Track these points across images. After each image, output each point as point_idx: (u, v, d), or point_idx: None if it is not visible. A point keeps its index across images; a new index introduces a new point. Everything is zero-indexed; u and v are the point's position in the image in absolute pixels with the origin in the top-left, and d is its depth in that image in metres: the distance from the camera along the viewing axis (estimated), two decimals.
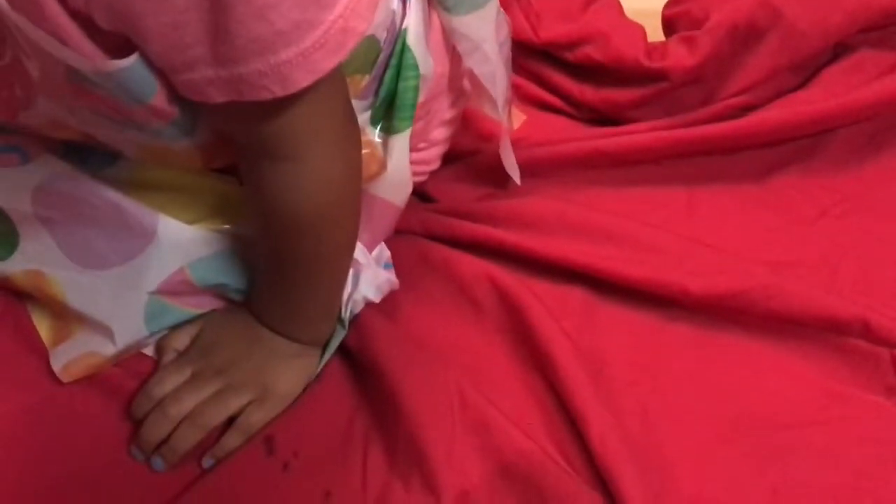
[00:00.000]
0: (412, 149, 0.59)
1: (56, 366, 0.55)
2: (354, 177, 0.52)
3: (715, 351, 0.60)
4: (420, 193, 0.68)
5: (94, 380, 0.56)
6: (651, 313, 0.61)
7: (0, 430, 0.54)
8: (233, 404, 0.55)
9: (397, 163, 0.57)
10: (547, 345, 0.57)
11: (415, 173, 0.61)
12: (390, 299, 0.61)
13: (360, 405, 0.57)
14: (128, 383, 0.56)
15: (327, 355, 0.58)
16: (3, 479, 0.52)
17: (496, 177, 0.68)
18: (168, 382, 0.55)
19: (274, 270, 0.54)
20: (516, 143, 0.68)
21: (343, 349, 0.59)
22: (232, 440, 0.54)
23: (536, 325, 0.58)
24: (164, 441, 0.53)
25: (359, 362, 0.58)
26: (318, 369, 0.58)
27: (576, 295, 0.62)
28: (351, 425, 0.56)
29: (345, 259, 0.55)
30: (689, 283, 0.59)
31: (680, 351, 0.60)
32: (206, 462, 0.54)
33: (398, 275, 0.62)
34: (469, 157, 0.70)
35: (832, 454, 0.55)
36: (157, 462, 0.53)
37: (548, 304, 0.60)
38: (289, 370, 0.57)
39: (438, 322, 0.61)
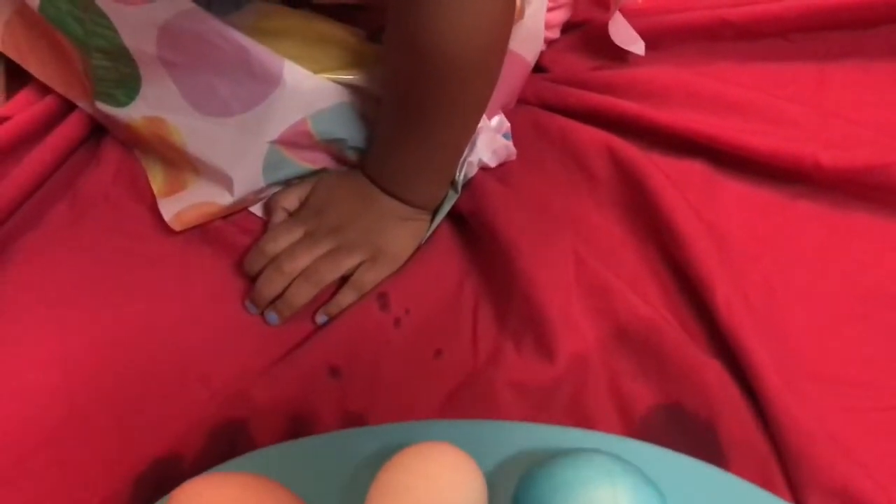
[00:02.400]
0: None
1: (167, 215, 0.55)
2: (510, 21, 0.50)
3: (844, 228, 0.57)
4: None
5: (206, 235, 0.56)
6: (776, 189, 0.59)
7: (116, 286, 0.55)
8: (346, 263, 0.54)
9: (535, 10, 0.55)
10: (669, 214, 0.55)
11: None
12: (505, 167, 0.59)
13: (470, 268, 0.56)
14: (240, 239, 0.56)
15: (439, 218, 0.57)
16: (122, 325, 0.53)
17: (613, 47, 0.65)
18: (282, 240, 0.55)
19: (400, 125, 0.53)
20: (636, 13, 0.65)
21: (454, 213, 0.58)
22: (346, 297, 0.54)
23: (658, 194, 0.56)
24: (279, 296, 0.54)
25: (471, 225, 0.57)
26: (430, 232, 0.57)
27: (697, 168, 0.60)
28: (461, 287, 0.55)
29: (478, 114, 0.53)
30: (822, 156, 0.56)
31: (806, 227, 0.57)
32: (320, 318, 0.54)
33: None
34: (584, 26, 0.67)
35: None
36: (272, 316, 0.53)
37: (669, 177, 0.58)
38: (401, 231, 0.56)
39: (553, 191, 0.59)
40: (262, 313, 0.54)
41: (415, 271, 0.56)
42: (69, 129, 0.61)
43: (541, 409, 0.50)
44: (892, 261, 0.55)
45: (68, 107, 0.61)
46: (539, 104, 0.63)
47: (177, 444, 0.48)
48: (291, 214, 0.57)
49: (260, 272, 0.54)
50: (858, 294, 0.54)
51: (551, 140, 0.60)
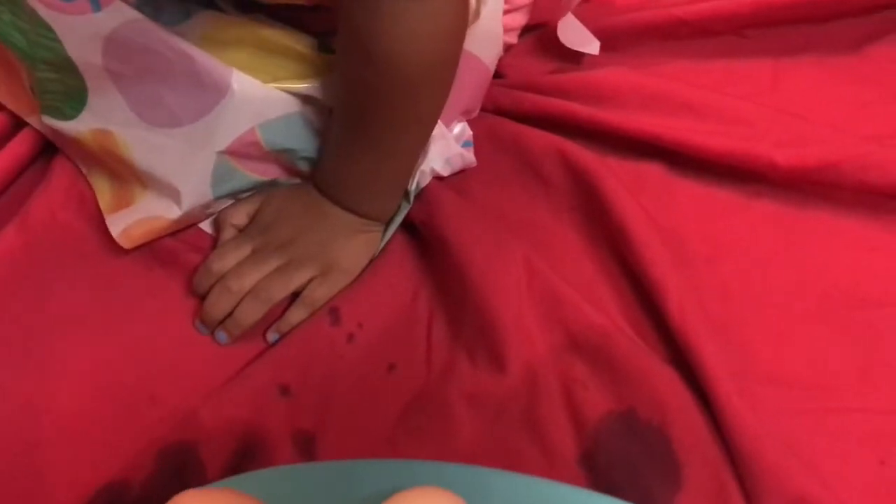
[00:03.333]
0: None
1: (115, 231, 0.54)
2: (463, 28, 0.49)
3: (801, 228, 0.56)
4: None
5: (156, 254, 0.56)
6: (733, 190, 0.58)
7: (67, 309, 0.54)
8: (296, 279, 0.54)
9: (491, 11, 0.54)
10: (622, 218, 0.55)
11: None
12: (459, 175, 0.59)
13: (424, 280, 0.56)
14: (191, 257, 0.56)
15: (391, 229, 0.56)
16: (71, 347, 0.52)
17: (567, 50, 0.64)
18: (229, 258, 0.54)
19: (351, 134, 0.52)
20: (589, 13, 0.65)
21: (407, 223, 0.57)
22: (296, 314, 0.53)
23: (611, 198, 0.55)
24: (228, 315, 0.53)
25: (424, 236, 0.57)
26: (383, 244, 0.56)
27: (652, 171, 0.59)
28: (415, 299, 0.55)
29: (431, 124, 0.53)
30: (777, 155, 0.56)
31: (763, 228, 0.57)
32: (271, 336, 0.53)
33: None
34: (538, 29, 0.66)
35: None
36: (222, 336, 0.53)
37: (623, 180, 0.57)
38: (352, 245, 0.55)
39: (508, 198, 0.58)
40: (211, 333, 0.53)
41: (367, 284, 0.55)
42: (18, 147, 0.60)
43: (494, 421, 0.50)
44: (848, 259, 0.54)
45: (16, 125, 0.61)
46: (494, 110, 0.62)
47: (126, 468, 0.48)
48: (240, 231, 0.56)
49: (209, 291, 0.53)
50: (815, 294, 0.53)
51: (505, 146, 0.60)
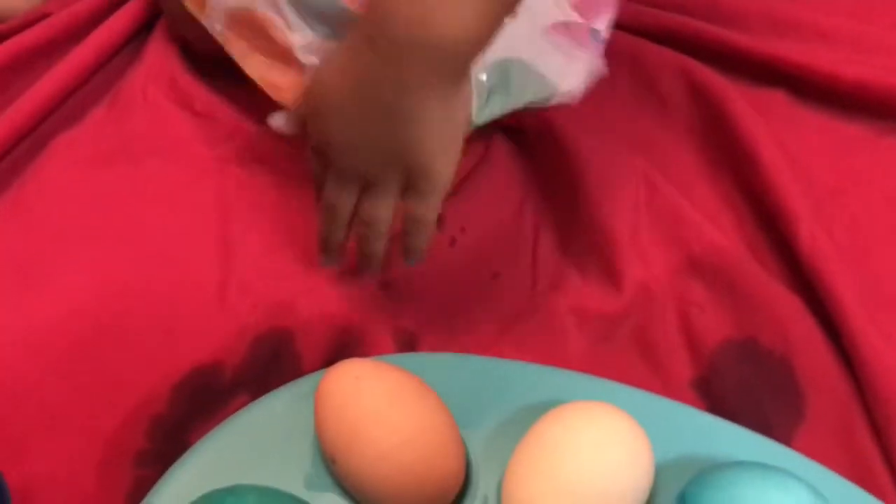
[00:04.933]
0: None
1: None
2: None
3: None
4: None
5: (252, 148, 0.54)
6: (862, 124, 0.55)
7: (156, 188, 0.52)
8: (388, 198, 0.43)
9: None
10: (749, 142, 0.51)
11: None
12: None
13: (531, 189, 0.53)
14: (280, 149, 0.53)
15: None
16: (158, 235, 0.50)
17: None
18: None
19: None
20: None
21: (515, 128, 0.54)
22: (415, 238, 0.44)
23: (737, 121, 0.52)
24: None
25: (532, 144, 0.54)
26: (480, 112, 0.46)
27: (779, 98, 0.56)
28: (521, 208, 0.52)
29: None
30: None
31: (891, 164, 0.53)
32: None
33: None
34: None
35: None
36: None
37: (748, 102, 0.54)
38: (434, 135, 0.41)
39: (623, 113, 0.55)
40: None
41: (470, 189, 0.52)
42: (113, 27, 0.58)
43: (605, 338, 0.47)
44: None
45: (111, 5, 0.59)
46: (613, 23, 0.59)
47: (218, 352, 0.46)
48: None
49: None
50: None
51: (622, 60, 0.57)
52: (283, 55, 0.47)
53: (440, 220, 0.51)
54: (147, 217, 0.52)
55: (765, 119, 0.54)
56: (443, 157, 0.42)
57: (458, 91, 0.41)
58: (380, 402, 0.37)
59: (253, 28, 0.48)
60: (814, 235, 0.47)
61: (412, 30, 0.37)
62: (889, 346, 0.44)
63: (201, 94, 0.57)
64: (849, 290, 0.46)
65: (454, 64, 0.39)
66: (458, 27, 0.38)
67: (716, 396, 0.45)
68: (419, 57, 0.38)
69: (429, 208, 0.43)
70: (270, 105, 0.50)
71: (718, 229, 0.50)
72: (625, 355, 0.47)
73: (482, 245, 0.51)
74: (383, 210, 0.43)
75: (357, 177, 0.43)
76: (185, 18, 0.51)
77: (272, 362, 0.45)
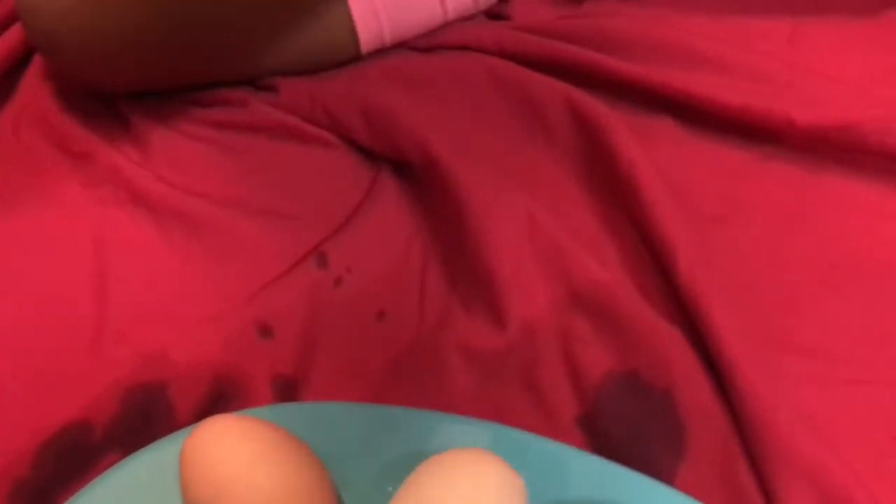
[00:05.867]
0: None
1: None
2: None
3: (815, 192, 0.53)
4: (495, 14, 0.61)
5: (128, 185, 0.52)
6: (747, 149, 0.55)
7: (31, 227, 0.50)
8: None
9: None
10: (631, 172, 0.51)
11: None
12: (458, 118, 0.55)
13: (420, 224, 0.52)
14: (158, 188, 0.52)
15: None
16: (35, 276, 0.49)
17: None
18: None
19: None
20: None
21: (403, 164, 0.53)
22: None
23: (620, 151, 0.52)
24: None
25: (420, 178, 0.53)
26: None
27: (663, 125, 0.56)
28: (409, 245, 0.51)
29: None
30: (795, 113, 0.53)
31: (776, 190, 0.54)
32: None
33: (465, 95, 0.56)
34: None
35: None
36: None
37: (632, 131, 0.54)
38: None
39: (509, 145, 0.55)
40: None
41: (358, 227, 0.51)
42: None
43: (492, 377, 0.47)
44: (863, 226, 0.52)
45: None
46: (498, 52, 0.58)
47: (88, 407, 0.44)
48: None
49: None
50: (829, 262, 0.51)
51: (508, 91, 0.56)
52: None
53: (324, 258, 0.50)
54: (19, 263, 0.50)
55: (652, 146, 0.54)
56: None
57: None
58: (244, 462, 0.36)
59: None
60: (693, 268, 0.47)
61: None
62: (767, 379, 0.44)
63: (77, 133, 0.55)
64: (727, 321, 0.46)
65: None
66: None
67: (600, 433, 0.45)
68: None
69: None
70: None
71: (602, 262, 0.50)
72: (511, 393, 0.46)
73: (368, 284, 0.50)
74: None
75: None
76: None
77: (145, 416, 0.44)
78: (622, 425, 0.45)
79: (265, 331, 0.47)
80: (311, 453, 0.38)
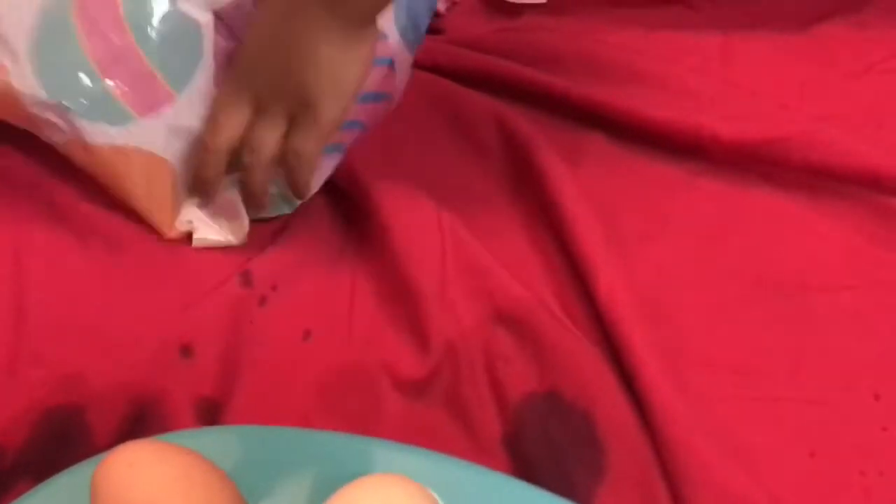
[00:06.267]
0: None
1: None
2: None
3: (739, 207, 0.54)
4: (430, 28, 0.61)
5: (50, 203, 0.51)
6: (674, 166, 0.56)
7: None
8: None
9: None
10: (555, 191, 0.52)
11: None
12: (389, 134, 0.55)
13: (347, 244, 0.52)
14: (82, 207, 0.50)
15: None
16: None
17: (511, 12, 0.61)
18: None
19: None
20: None
21: (329, 184, 0.53)
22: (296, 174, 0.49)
23: (545, 170, 0.53)
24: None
25: (348, 195, 0.53)
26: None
27: (592, 140, 0.56)
28: (337, 264, 0.51)
29: None
30: (720, 128, 0.54)
31: (702, 207, 0.54)
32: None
33: (397, 110, 0.55)
34: None
35: (864, 321, 0.50)
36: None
37: (561, 148, 0.54)
38: (325, 74, 0.46)
39: (438, 161, 0.55)
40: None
41: (285, 245, 0.51)
42: None
43: (418, 397, 0.47)
44: (787, 243, 0.53)
45: None
46: (431, 67, 0.59)
47: (1, 432, 0.43)
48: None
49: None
50: (750, 278, 0.51)
51: (439, 106, 0.57)
52: None
53: (248, 276, 0.49)
54: None
55: (579, 162, 0.54)
56: (331, 99, 0.46)
57: (360, 39, 0.46)
58: (154, 492, 0.36)
59: None
60: (612, 288, 0.48)
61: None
62: (684, 399, 0.45)
63: None
64: (645, 343, 0.46)
65: (357, 10, 0.45)
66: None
67: (522, 453, 0.45)
68: (330, 25, 0.44)
69: (307, 141, 0.47)
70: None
71: (524, 281, 0.50)
72: (438, 414, 0.46)
73: (295, 303, 0.49)
74: (269, 136, 0.47)
75: (250, 100, 0.46)
76: None
77: (61, 441, 0.43)
78: (543, 446, 0.45)
79: (187, 351, 0.46)
80: (226, 479, 0.38)
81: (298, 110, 0.46)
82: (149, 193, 0.49)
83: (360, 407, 0.46)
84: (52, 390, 0.44)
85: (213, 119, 0.48)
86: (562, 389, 0.46)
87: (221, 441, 0.41)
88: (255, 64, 0.47)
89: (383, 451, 0.42)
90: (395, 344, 0.48)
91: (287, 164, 0.48)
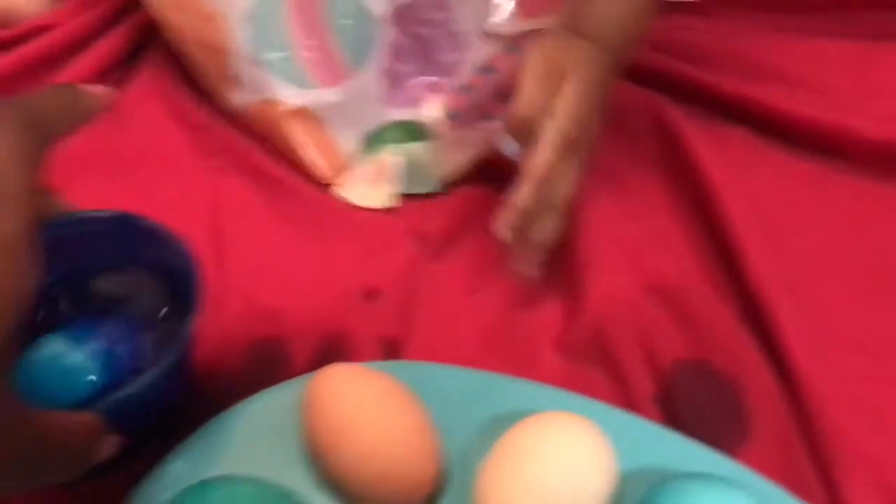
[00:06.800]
0: None
1: None
2: None
3: (879, 204, 0.57)
4: None
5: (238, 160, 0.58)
6: (818, 162, 0.59)
7: (148, 199, 0.55)
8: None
9: None
10: (704, 176, 0.55)
11: None
12: None
13: None
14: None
15: None
16: None
17: (664, 8, 0.64)
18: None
19: None
20: None
21: None
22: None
23: (696, 155, 0.56)
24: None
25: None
26: None
27: (739, 134, 0.60)
28: None
29: None
30: (866, 128, 0.56)
31: (842, 201, 0.57)
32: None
33: None
34: None
35: None
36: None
37: (710, 138, 0.58)
38: None
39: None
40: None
41: (455, 210, 0.56)
42: (113, 41, 0.61)
43: (573, 358, 0.50)
44: None
45: (113, 19, 0.61)
46: None
47: (215, 359, 0.48)
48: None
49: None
50: (890, 269, 0.54)
51: None
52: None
53: (423, 236, 0.54)
54: None
55: (729, 153, 0.58)
56: None
57: None
58: (364, 404, 0.41)
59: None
60: (762, 268, 0.51)
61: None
62: (825, 371, 0.48)
63: (195, 107, 0.60)
64: (792, 322, 0.49)
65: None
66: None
67: (672, 413, 0.48)
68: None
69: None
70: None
71: (674, 258, 0.53)
72: (592, 372, 0.50)
73: (465, 260, 0.54)
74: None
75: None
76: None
77: (269, 366, 0.48)
78: (692, 408, 0.48)
79: (371, 295, 0.51)
80: (420, 404, 0.42)
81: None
82: (317, 150, 0.58)
83: (520, 358, 0.50)
84: (256, 323, 0.49)
85: (535, 183, 0.49)
86: (709, 359, 0.49)
87: (407, 373, 0.45)
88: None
89: (550, 394, 0.46)
90: (553, 306, 0.52)
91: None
